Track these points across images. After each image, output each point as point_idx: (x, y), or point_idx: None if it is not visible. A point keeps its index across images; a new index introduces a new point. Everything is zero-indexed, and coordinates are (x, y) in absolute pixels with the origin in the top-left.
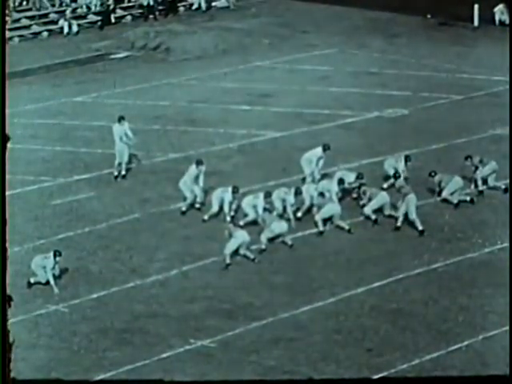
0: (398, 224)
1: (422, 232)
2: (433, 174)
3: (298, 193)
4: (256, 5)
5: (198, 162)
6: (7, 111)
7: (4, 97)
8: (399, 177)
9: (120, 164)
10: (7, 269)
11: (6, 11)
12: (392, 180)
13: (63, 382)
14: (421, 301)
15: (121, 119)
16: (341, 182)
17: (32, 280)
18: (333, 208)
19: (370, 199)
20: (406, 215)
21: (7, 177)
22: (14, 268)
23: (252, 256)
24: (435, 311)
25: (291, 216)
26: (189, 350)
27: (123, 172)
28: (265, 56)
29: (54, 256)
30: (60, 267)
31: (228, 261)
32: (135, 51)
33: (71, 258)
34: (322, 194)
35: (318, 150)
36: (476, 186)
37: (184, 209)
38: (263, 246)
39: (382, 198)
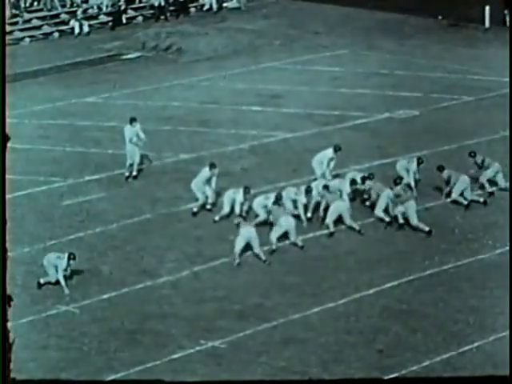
0: (401, 221)
1: (429, 232)
2: (441, 168)
3: (308, 191)
4: (267, 6)
5: (212, 165)
6: (18, 111)
7: (4, 97)
8: (399, 183)
9: (131, 165)
10: (7, 269)
11: (17, 11)
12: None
13: (63, 382)
14: (431, 302)
15: (132, 121)
16: (353, 182)
17: (42, 280)
18: (341, 205)
19: (376, 197)
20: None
21: (18, 177)
22: (23, 268)
23: (263, 258)
24: (446, 312)
25: (302, 216)
26: (199, 351)
27: (134, 173)
28: (276, 57)
29: (68, 259)
30: (71, 269)
31: (238, 260)
32: (146, 52)
33: (82, 259)
34: (326, 188)
35: (329, 151)
36: (483, 187)
37: (195, 210)
38: (274, 247)
39: (388, 195)
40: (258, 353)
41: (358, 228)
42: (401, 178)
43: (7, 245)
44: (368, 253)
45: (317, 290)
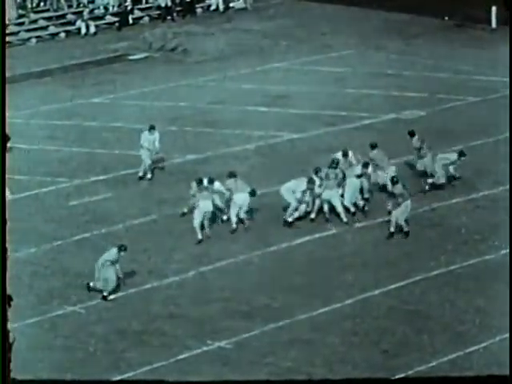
0: (392, 229)
1: (407, 233)
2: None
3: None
4: (274, 6)
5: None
6: (25, 112)
7: (4, 97)
8: (397, 182)
9: (145, 168)
10: (8, 269)
11: (24, 12)
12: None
13: (63, 382)
14: (438, 302)
15: (151, 128)
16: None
17: (91, 284)
18: (329, 193)
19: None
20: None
21: (25, 178)
22: (30, 269)
23: (246, 224)
24: (452, 313)
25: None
26: (206, 352)
27: (149, 175)
28: (282, 57)
29: (119, 250)
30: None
31: (234, 225)
32: (153, 52)
33: (88, 259)
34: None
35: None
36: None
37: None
38: (234, 225)
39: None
40: (264, 353)
41: (345, 220)
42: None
43: (14, 245)
44: (374, 254)
45: (323, 290)
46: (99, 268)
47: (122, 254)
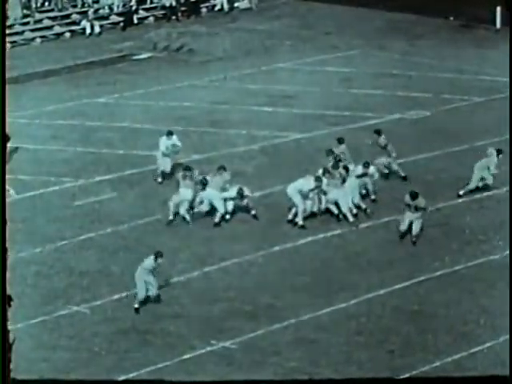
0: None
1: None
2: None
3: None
4: (278, 6)
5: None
6: (30, 112)
7: (4, 97)
8: (417, 195)
9: (163, 172)
10: (12, 269)
11: (29, 12)
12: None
13: (63, 382)
14: (442, 303)
15: (169, 134)
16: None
17: (136, 305)
18: (338, 193)
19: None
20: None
21: (30, 178)
22: (34, 269)
23: (189, 220)
24: (457, 313)
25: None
26: (210, 352)
27: (159, 179)
28: (287, 57)
29: (156, 257)
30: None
31: (171, 216)
32: (158, 52)
33: (92, 259)
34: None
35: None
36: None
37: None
38: (171, 216)
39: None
40: (269, 353)
41: (351, 219)
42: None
43: (19, 245)
44: (379, 253)
45: (328, 290)
46: (139, 278)
47: (160, 260)
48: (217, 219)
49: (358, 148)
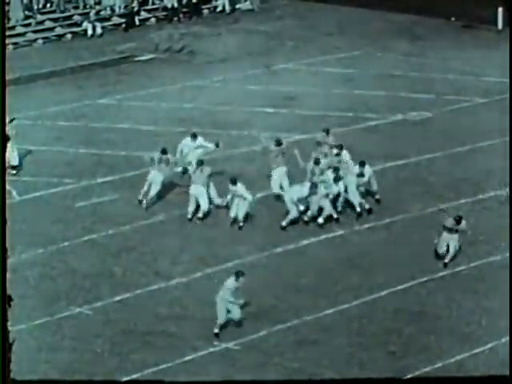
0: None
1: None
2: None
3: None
4: (280, 7)
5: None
6: (32, 113)
7: (4, 97)
8: (461, 219)
9: (184, 172)
10: (12, 270)
11: (30, 13)
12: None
13: (63, 383)
14: (444, 304)
15: (194, 136)
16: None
17: (216, 330)
18: (346, 179)
19: None
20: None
21: (32, 179)
22: (37, 270)
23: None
24: (458, 314)
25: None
26: (213, 353)
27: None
28: (289, 58)
29: (236, 276)
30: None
31: (140, 197)
32: (159, 53)
33: (95, 261)
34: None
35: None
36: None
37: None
38: (144, 205)
39: None
40: (271, 354)
41: (358, 209)
42: None
43: (21, 246)
44: (381, 254)
45: (330, 291)
46: (222, 300)
47: (242, 279)
48: (200, 214)
49: (361, 150)
